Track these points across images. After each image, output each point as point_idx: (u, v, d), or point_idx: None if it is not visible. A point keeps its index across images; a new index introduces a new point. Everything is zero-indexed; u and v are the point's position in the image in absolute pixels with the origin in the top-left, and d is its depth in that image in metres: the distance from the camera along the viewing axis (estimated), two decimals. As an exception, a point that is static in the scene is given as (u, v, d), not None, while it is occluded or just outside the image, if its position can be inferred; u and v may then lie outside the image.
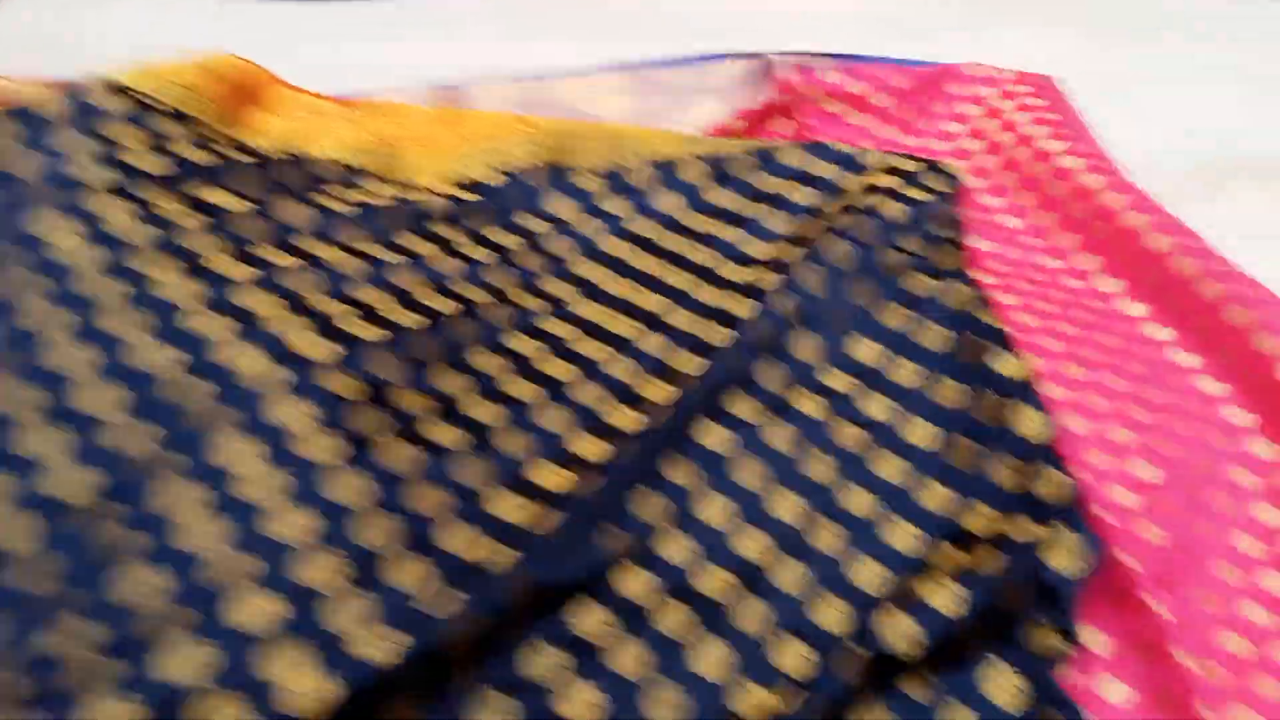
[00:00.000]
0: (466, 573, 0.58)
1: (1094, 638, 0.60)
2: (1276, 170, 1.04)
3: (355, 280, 0.74)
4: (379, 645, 0.52)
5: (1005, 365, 0.70)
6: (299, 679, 0.50)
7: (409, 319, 0.72)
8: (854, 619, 0.60)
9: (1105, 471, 0.67)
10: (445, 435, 0.66)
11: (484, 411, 0.70)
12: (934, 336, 0.75)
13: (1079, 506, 0.60)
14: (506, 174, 0.89)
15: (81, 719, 0.48)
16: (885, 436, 0.70)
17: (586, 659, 0.57)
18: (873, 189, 0.86)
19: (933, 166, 0.88)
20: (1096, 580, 0.62)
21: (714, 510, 0.66)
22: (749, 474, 0.68)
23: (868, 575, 0.62)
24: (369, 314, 0.71)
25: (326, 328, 0.68)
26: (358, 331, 0.68)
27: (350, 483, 0.59)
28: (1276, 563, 0.63)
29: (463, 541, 0.61)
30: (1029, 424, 0.65)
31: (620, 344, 0.78)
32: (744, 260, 0.86)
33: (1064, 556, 0.58)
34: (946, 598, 0.56)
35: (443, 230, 0.83)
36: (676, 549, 0.63)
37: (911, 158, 0.89)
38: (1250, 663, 0.58)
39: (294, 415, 0.61)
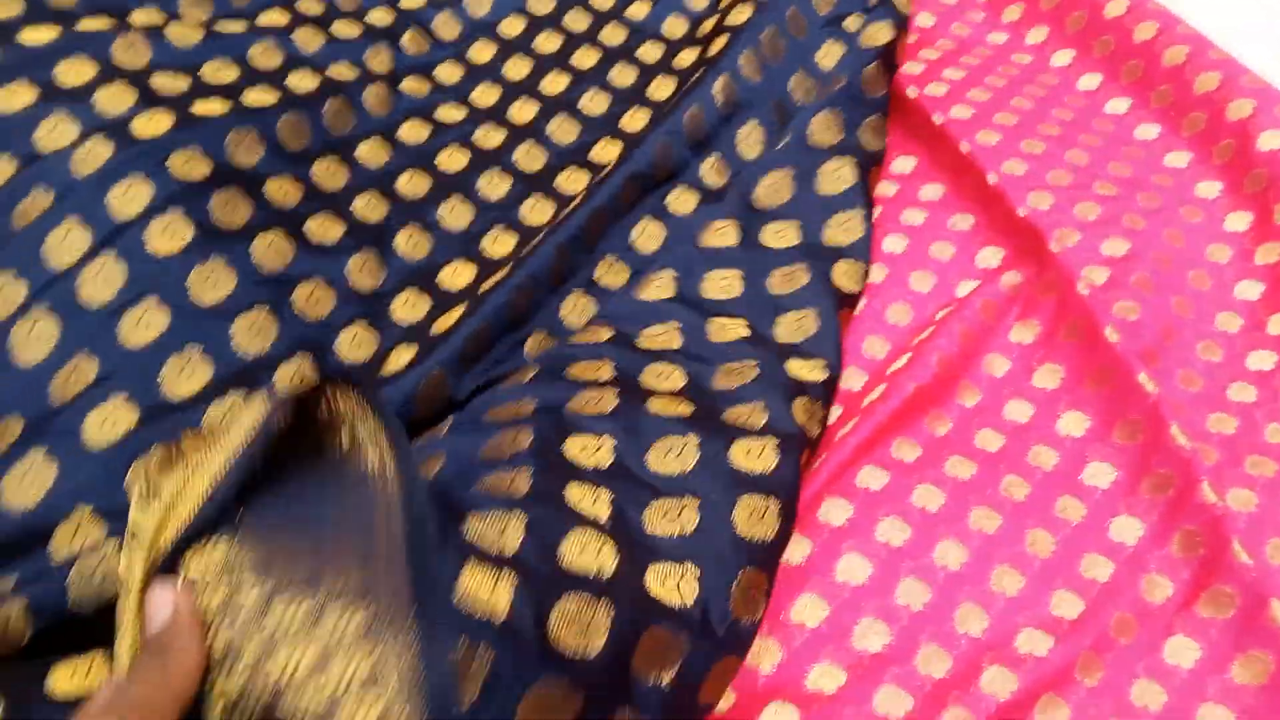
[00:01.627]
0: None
1: (1077, 422, 0.54)
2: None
3: (193, 52, 0.60)
4: None
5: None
6: None
7: (263, 97, 0.59)
8: None
9: (1073, 249, 0.60)
10: (324, 230, 0.55)
11: (371, 207, 0.58)
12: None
13: None
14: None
15: None
16: None
17: None
18: None
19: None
20: (1077, 359, 0.56)
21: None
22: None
23: None
24: (213, 90, 0.58)
25: (158, 101, 0.55)
26: (200, 110, 0.55)
27: (205, 277, 0.48)
28: (1261, 341, 0.58)
29: (349, 344, 0.51)
30: None
31: (525, 131, 0.67)
32: (661, 38, 0.75)
33: None
34: None
35: (302, 5, 0.69)
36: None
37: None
38: (1242, 443, 0.53)
39: (126, 200, 0.49)
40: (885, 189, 0.67)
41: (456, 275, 0.57)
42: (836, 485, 0.51)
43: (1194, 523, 0.49)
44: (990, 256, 0.62)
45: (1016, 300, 0.59)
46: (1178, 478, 0.50)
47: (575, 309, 0.57)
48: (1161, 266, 0.61)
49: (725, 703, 0.44)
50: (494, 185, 0.62)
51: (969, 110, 0.70)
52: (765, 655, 0.46)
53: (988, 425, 0.55)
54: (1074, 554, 0.50)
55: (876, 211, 0.64)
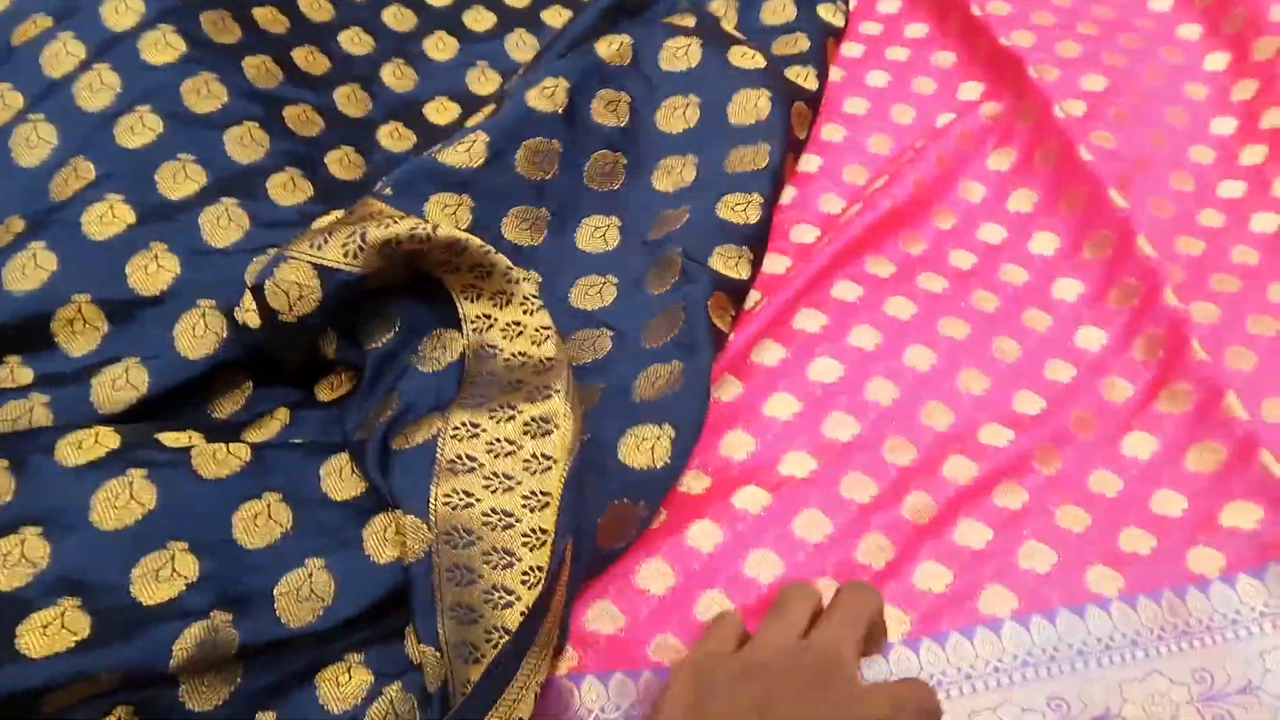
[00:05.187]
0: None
1: (1048, 241, 0.56)
2: None
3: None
4: None
5: None
6: None
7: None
8: None
9: (1053, 84, 0.61)
10: (311, 62, 0.56)
11: (357, 43, 0.60)
12: None
13: None
14: None
15: None
16: None
17: None
18: None
19: None
20: (1050, 183, 0.57)
21: None
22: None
23: None
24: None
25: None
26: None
27: (197, 89, 0.50)
28: (1231, 171, 0.59)
29: (338, 165, 0.53)
30: None
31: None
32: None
33: None
34: None
35: None
36: None
37: None
38: (1207, 264, 0.55)
39: (119, 15, 0.50)
40: (870, 28, 0.67)
41: (441, 113, 0.58)
42: (810, 297, 0.53)
43: (1157, 327, 0.51)
44: (970, 90, 0.63)
45: (994, 130, 0.60)
46: (1143, 286, 0.52)
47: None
48: (1139, 102, 0.62)
49: (699, 485, 0.46)
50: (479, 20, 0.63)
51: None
52: (740, 446, 0.48)
53: (961, 246, 0.56)
54: (1039, 360, 0.52)
55: (860, 50, 0.65)
